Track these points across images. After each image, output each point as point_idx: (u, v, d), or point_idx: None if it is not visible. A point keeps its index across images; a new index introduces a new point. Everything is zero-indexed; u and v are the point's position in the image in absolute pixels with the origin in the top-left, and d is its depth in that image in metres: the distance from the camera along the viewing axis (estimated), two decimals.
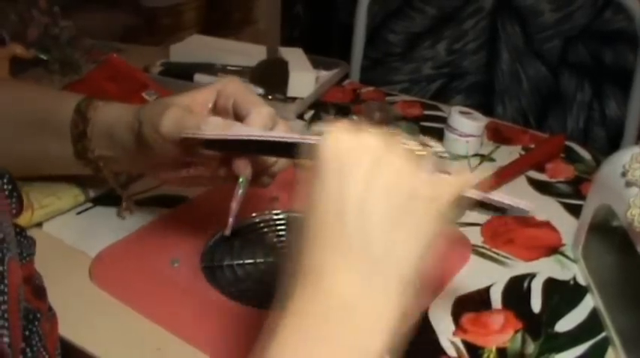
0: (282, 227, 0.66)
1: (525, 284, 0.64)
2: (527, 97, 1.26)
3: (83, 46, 1.09)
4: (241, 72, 1.02)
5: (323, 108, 1.00)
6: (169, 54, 1.08)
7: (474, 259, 0.67)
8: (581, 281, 0.65)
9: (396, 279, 0.36)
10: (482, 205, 0.42)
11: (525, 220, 0.73)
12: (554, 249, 0.70)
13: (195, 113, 0.52)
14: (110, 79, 0.87)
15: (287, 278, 0.37)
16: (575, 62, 1.20)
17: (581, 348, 0.56)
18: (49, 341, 0.44)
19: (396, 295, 0.36)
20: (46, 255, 0.53)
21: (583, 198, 0.73)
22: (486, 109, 1.17)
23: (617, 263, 0.62)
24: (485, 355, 0.55)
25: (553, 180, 0.84)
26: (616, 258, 0.63)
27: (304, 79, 0.99)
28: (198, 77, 1.01)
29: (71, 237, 0.66)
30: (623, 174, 0.57)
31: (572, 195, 0.80)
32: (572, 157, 0.90)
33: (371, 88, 1.11)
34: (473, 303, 0.61)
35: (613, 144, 1.17)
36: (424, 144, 0.39)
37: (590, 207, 0.65)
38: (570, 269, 0.67)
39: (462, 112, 0.87)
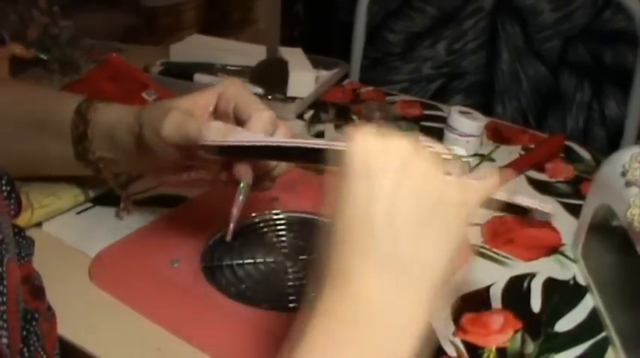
0: (282, 227, 0.66)
1: (525, 284, 0.64)
2: (527, 97, 1.26)
3: (83, 45, 1.09)
4: (241, 72, 1.02)
5: (323, 108, 1.00)
6: (169, 54, 1.08)
7: (474, 259, 0.67)
8: (581, 281, 0.65)
9: (425, 284, 0.36)
10: (507, 207, 0.42)
11: (525, 220, 0.73)
12: (554, 249, 0.70)
13: (196, 117, 0.52)
14: (110, 78, 0.87)
15: (316, 281, 0.37)
16: (575, 62, 1.20)
17: (581, 348, 0.56)
18: (47, 341, 0.44)
19: (426, 300, 0.36)
20: (46, 254, 0.53)
21: (583, 197, 0.73)
22: (486, 109, 1.17)
23: (617, 263, 0.62)
24: (485, 355, 0.55)
25: (553, 179, 0.84)
26: (616, 257, 0.63)
27: (304, 78, 0.99)
28: (198, 77, 1.01)
29: (71, 236, 0.66)
30: (623, 174, 0.57)
31: (571, 195, 0.80)
32: (571, 157, 0.90)
33: (371, 88, 1.11)
34: (473, 303, 0.61)
35: (613, 144, 1.17)
36: (449, 149, 0.39)
37: (589, 207, 0.65)
38: (570, 269, 0.67)
39: (461, 112, 0.87)
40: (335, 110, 1.01)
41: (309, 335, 0.34)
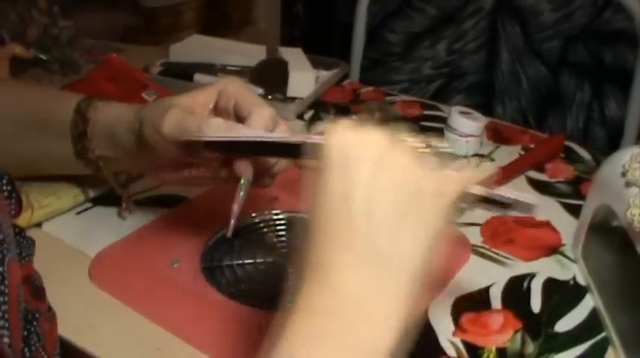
0: (282, 227, 0.66)
1: (525, 284, 0.64)
2: (527, 97, 1.26)
3: (83, 46, 1.09)
4: (241, 72, 1.02)
5: (323, 108, 1.01)
6: (169, 54, 1.08)
7: (473, 259, 0.67)
8: (581, 281, 0.65)
9: (403, 276, 0.36)
10: (486, 202, 0.42)
11: (525, 220, 0.73)
12: (554, 249, 0.70)
13: (196, 114, 0.52)
14: (110, 79, 0.87)
15: (294, 276, 0.37)
16: (575, 62, 1.20)
17: (581, 348, 0.56)
18: (48, 341, 0.44)
19: (405, 292, 0.36)
20: (46, 255, 0.53)
21: (583, 198, 0.73)
22: (486, 109, 1.17)
23: (617, 263, 0.62)
24: (485, 355, 0.55)
25: (553, 180, 0.84)
26: (616, 257, 0.63)
27: (304, 78, 0.99)
28: (197, 77, 1.01)
29: (71, 237, 0.66)
30: (623, 174, 0.57)
31: (571, 195, 0.80)
32: (571, 157, 0.90)
33: (370, 88, 1.10)
34: (473, 303, 0.61)
35: (613, 144, 1.17)
36: (427, 141, 0.39)
37: (589, 207, 0.65)
38: (570, 269, 0.67)
39: (461, 112, 0.87)
40: (335, 110, 1.01)
41: (288, 330, 0.34)
